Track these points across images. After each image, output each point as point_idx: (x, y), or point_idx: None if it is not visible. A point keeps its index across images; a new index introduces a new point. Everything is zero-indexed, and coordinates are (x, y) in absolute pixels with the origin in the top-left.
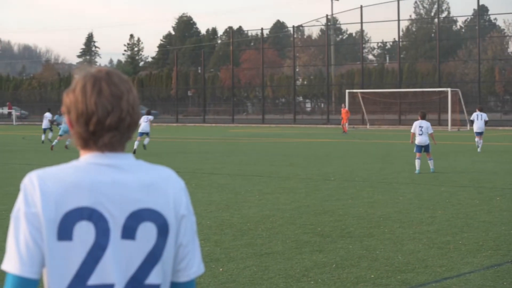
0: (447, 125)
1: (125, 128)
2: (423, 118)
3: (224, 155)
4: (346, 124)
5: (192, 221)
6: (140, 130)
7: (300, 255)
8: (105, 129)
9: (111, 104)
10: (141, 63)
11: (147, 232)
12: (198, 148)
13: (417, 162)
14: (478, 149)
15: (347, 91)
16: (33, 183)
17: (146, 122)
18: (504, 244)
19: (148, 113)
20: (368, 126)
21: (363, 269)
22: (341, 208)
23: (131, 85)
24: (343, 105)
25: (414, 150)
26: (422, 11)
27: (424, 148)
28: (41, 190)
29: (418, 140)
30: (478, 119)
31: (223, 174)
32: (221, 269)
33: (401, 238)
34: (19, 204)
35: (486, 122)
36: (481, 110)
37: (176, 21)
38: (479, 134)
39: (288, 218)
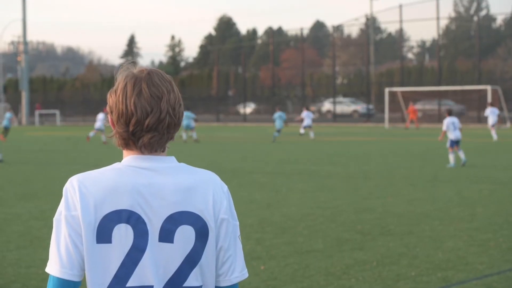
0: (487, 122)
1: (165, 128)
2: (450, 114)
3: (264, 153)
4: (412, 121)
5: (233, 225)
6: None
7: (341, 253)
8: (144, 129)
9: (150, 104)
10: (182, 64)
11: (185, 235)
12: (239, 147)
13: (452, 156)
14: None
15: (387, 89)
16: (73, 187)
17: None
18: None
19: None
20: (408, 124)
21: (403, 266)
22: (381, 206)
23: (173, 85)
24: (411, 103)
25: (448, 145)
26: (461, 9)
27: (457, 143)
28: (81, 193)
29: (454, 135)
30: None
31: (264, 173)
32: (262, 267)
33: (441, 235)
34: (61, 208)
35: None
36: (492, 106)
37: (217, 21)
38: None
39: (328, 216)
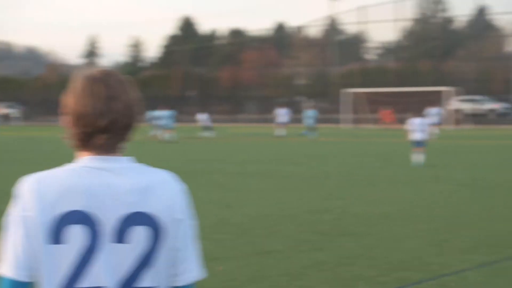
0: (446, 123)
1: (120, 130)
2: (418, 115)
3: (225, 154)
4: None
5: (189, 226)
6: None
7: (300, 253)
8: (99, 130)
9: (105, 105)
10: (144, 64)
11: (140, 235)
12: (200, 147)
13: (415, 156)
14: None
15: (347, 90)
16: (27, 187)
17: None
18: (501, 241)
19: None
20: (370, 125)
21: (362, 267)
22: (340, 207)
23: (129, 86)
24: (381, 108)
25: (412, 145)
26: (422, 11)
27: (419, 143)
28: (35, 194)
29: (416, 136)
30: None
31: (224, 173)
32: (220, 268)
33: (400, 236)
34: (14, 209)
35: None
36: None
37: (178, 22)
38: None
39: (287, 217)
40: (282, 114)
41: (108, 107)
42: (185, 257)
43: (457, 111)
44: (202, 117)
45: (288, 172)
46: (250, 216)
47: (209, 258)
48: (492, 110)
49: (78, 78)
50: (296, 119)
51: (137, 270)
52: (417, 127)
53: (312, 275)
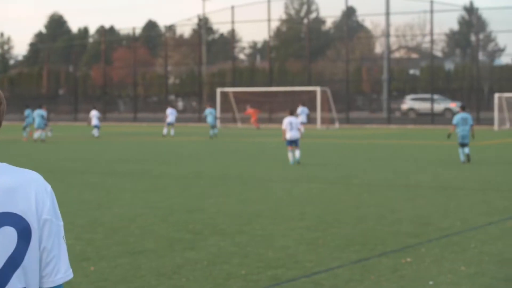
0: (316, 123)
1: None
2: (291, 114)
3: (96, 153)
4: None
5: (57, 226)
6: None
7: (172, 252)
8: None
9: None
10: (12, 62)
11: (6, 236)
12: (70, 147)
13: (290, 155)
14: None
15: (218, 89)
16: None
17: None
18: (372, 239)
19: None
20: (239, 125)
21: (234, 265)
22: (213, 206)
23: None
24: (248, 106)
25: (287, 144)
26: (292, 12)
27: (294, 142)
28: None
29: (290, 135)
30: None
31: (95, 173)
32: (92, 268)
33: (272, 234)
34: None
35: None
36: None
37: (47, 19)
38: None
39: (160, 216)
40: (171, 113)
41: None
42: (53, 258)
43: (411, 110)
44: (94, 115)
45: (159, 171)
46: (122, 215)
47: (80, 258)
48: (448, 109)
49: None
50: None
51: (5, 271)
52: (290, 126)
53: (184, 274)
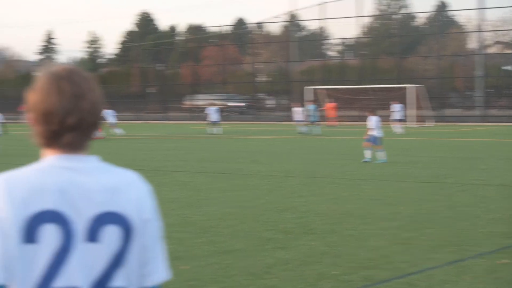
0: (409, 121)
1: (86, 127)
2: (373, 113)
3: (186, 152)
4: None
5: (156, 226)
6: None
7: (263, 252)
8: (66, 129)
9: (72, 103)
10: (102, 60)
11: (111, 235)
12: (160, 146)
13: (368, 152)
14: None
15: (307, 87)
16: None
17: None
18: (466, 239)
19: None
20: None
21: (326, 265)
22: (304, 205)
23: (94, 84)
24: (329, 100)
25: (368, 141)
26: (382, 7)
27: (377, 140)
28: (7, 194)
29: (374, 132)
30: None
31: (185, 172)
32: (184, 267)
33: (364, 234)
34: None
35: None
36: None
37: (137, 17)
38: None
39: (250, 215)
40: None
41: (75, 105)
42: (152, 258)
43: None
44: (211, 111)
45: (249, 170)
46: (212, 214)
47: (172, 257)
48: None
49: (43, 75)
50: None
51: (110, 270)
52: (375, 125)
53: (275, 274)
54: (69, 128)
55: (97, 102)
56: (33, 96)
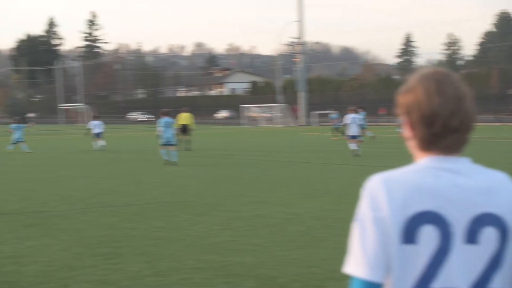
0: None
1: (465, 130)
2: None
3: None
4: None
5: None
6: None
7: None
8: (449, 131)
9: (454, 105)
10: (460, 62)
11: (489, 236)
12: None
13: None
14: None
15: None
16: (378, 187)
17: None
18: None
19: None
20: None
21: None
22: None
23: (467, 87)
24: None
25: None
26: None
27: None
28: (387, 194)
29: None
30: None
31: None
32: None
33: None
34: (364, 208)
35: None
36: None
37: (495, 18)
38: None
39: None
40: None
41: (458, 107)
42: None
43: None
44: None
45: None
46: None
47: None
48: None
49: (421, 78)
50: None
51: (488, 272)
52: None
53: None
54: (452, 130)
55: (473, 103)
56: (412, 99)
